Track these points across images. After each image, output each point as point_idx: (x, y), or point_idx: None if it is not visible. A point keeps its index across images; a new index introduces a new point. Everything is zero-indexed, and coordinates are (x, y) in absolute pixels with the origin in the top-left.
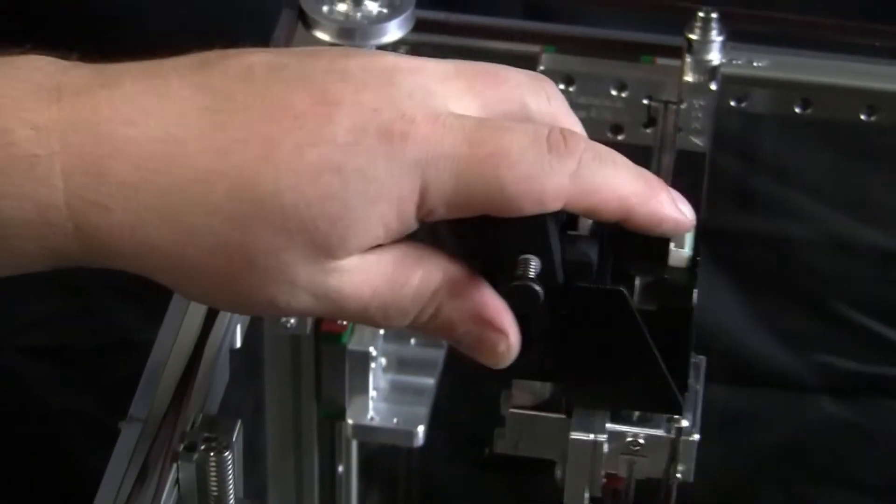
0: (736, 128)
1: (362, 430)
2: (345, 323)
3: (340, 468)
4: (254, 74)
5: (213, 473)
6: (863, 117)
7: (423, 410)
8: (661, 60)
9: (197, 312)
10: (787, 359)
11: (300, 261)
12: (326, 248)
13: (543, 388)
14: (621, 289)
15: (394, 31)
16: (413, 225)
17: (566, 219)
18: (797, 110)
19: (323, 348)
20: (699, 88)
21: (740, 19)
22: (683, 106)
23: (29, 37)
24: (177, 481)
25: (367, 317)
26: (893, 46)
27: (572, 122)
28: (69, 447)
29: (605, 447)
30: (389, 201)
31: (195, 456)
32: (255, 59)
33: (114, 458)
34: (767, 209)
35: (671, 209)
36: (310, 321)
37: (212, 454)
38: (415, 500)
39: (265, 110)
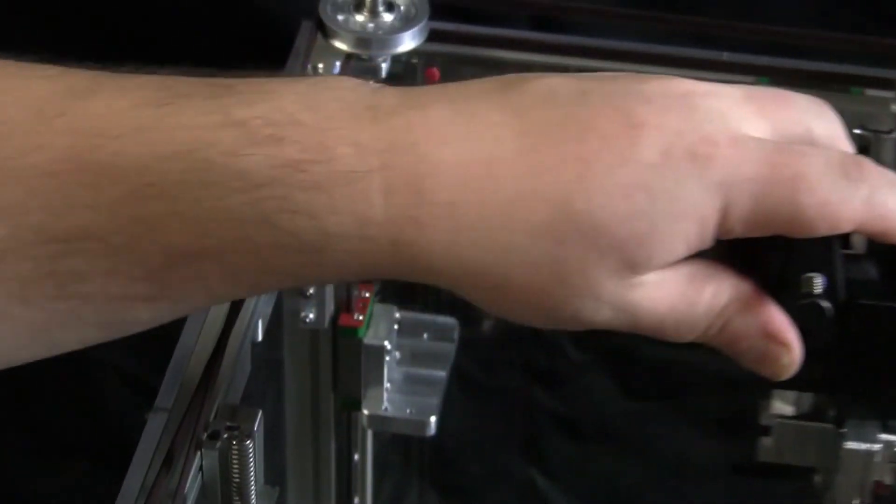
0: None
1: (377, 420)
2: (360, 318)
3: (356, 456)
4: (557, 97)
5: (235, 461)
6: None
7: (435, 401)
8: (870, 91)
9: (220, 307)
10: None
11: (607, 276)
12: (633, 265)
13: (804, 398)
14: None
15: (408, 41)
16: (710, 243)
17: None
18: None
19: (340, 342)
20: None
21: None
22: (894, 136)
23: (42, 40)
24: (200, 468)
25: (660, 330)
26: None
27: (849, 146)
28: (103, 398)
29: (877, 456)
30: (693, 220)
31: (218, 444)
32: (555, 82)
33: (140, 447)
34: None
35: None
36: (328, 316)
37: (234, 443)
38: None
39: (574, 132)
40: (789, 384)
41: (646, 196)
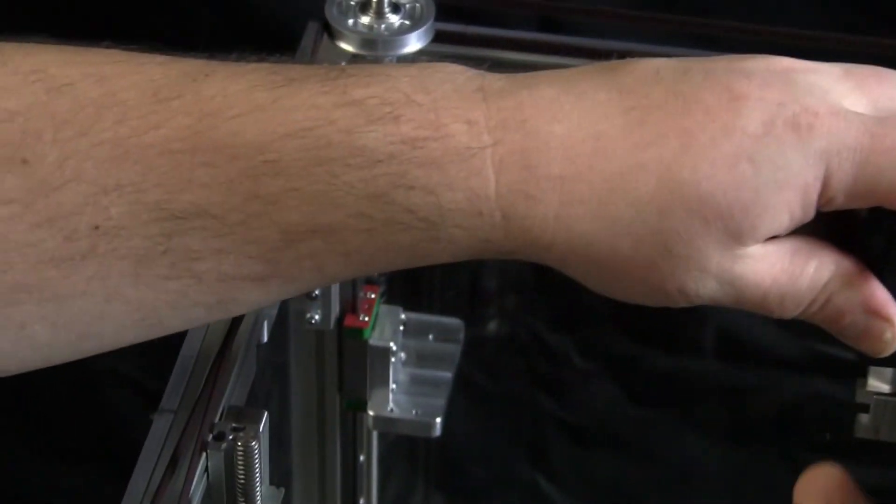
0: None
1: (383, 421)
2: (366, 319)
3: (362, 457)
4: (661, 76)
5: (240, 462)
6: None
7: (441, 402)
8: None
9: None
10: (786, 341)
11: (713, 247)
12: (738, 235)
13: None
14: None
15: (414, 42)
16: (812, 213)
17: None
18: None
19: (346, 343)
20: None
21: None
22: None
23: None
24: (206, 469)
25: (764, 304)
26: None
27: None
28: (107, 401)
29: None
30: (796, 189)
31: (223, 445)
32: (659, 63)
33: (145, 448)
34: None
35: None
36: (333, 317)
37: (239, 444)
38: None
39: (678, 106)
40: (888, 361)
41: (750, 166)
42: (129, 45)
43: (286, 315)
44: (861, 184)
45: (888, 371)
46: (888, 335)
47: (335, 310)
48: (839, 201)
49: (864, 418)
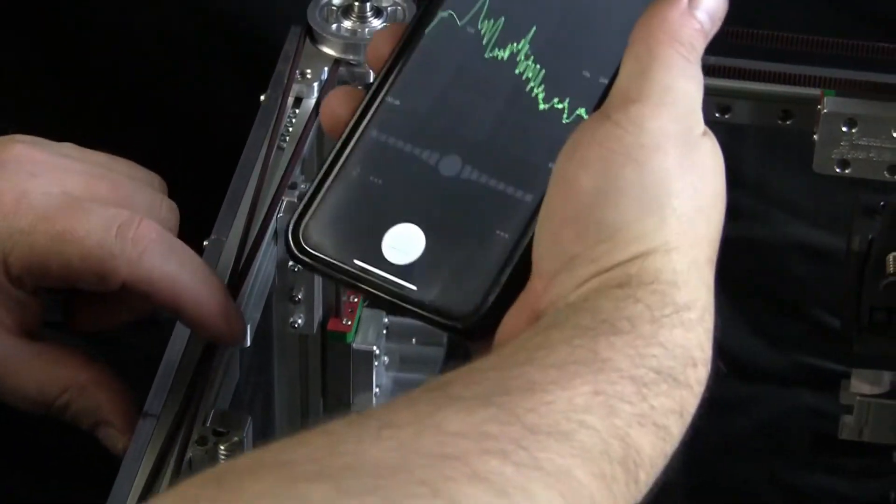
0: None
1: None
2: (349, 323)
3: None
4: None
5: None
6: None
7: None
8: None
9: None
10: (770, 355)
11: None
12: None
13: (881, 377)
14: None
15: None
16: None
17: None
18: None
19: (329, 347)
20: None
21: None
22: None
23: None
24: (190, 473)
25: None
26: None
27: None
28: None
29: None
30: None
31: (207, 450)
32: None
33: (129, 452)
34: (751, 219)
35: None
36: (316, 321)
37: (223, 448)
38: None
39: None
40: (872, 362)
41: None
42: (104, 52)
43: (270, 319)
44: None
45: (871, 373)
46: (120, 445)
47: (318, 314)
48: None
49: (848, 419)
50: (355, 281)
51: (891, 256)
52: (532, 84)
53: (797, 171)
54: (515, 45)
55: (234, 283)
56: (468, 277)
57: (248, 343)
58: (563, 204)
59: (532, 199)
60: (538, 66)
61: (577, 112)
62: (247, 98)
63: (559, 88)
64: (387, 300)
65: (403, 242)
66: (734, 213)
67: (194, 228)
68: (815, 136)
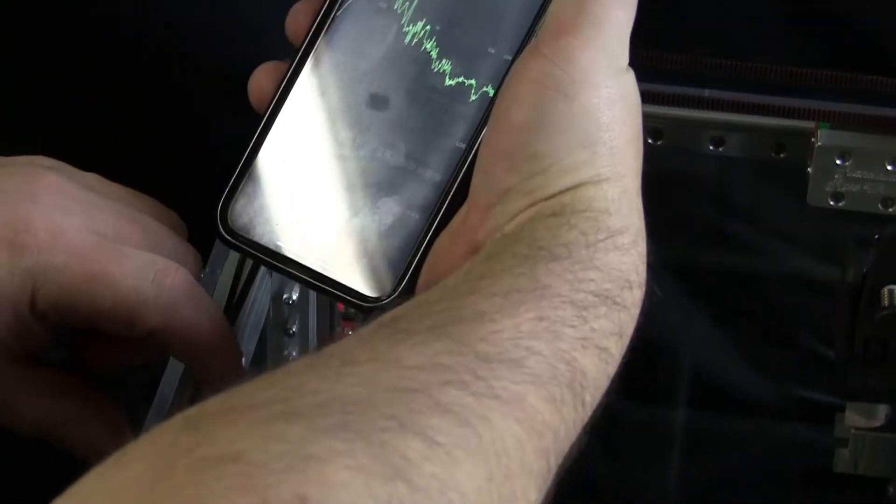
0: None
1: None
2: None
3: None
4: None
5: None
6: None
7: None
8: None
9: None
10: (763, 388)
11: None
12: None
13: (876, 410)
14: None
15: None
16: (31, 324)
17: None
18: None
19: None
20: None
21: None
22: None
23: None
24: None
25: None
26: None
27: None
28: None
29: None
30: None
31: None
32: None
33: None
34: (744, 251)
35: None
36: (312, 348)
37: None
38: None
39: None
40: (867, 395)
41: None
42: (89, 80)
43: (264, 352)
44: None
45: (866, 406)
46: None
47: (313, 345)
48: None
49: (843, 453)
50: (278, 262)
51: (885, 290)
52: (439, 62)
53: (790, 200)
54: (425, 22)
55: (229, 316)
56: (384, 258)
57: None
58: (497, 138)
59: (442, 179)
60: (445, 44)
61: (484, 89)
62: (235, 121)
63: (465, 66)
64: (307, 281)
65: (321, 223)
66: (726, 244)
67: None
68: (808, 169)
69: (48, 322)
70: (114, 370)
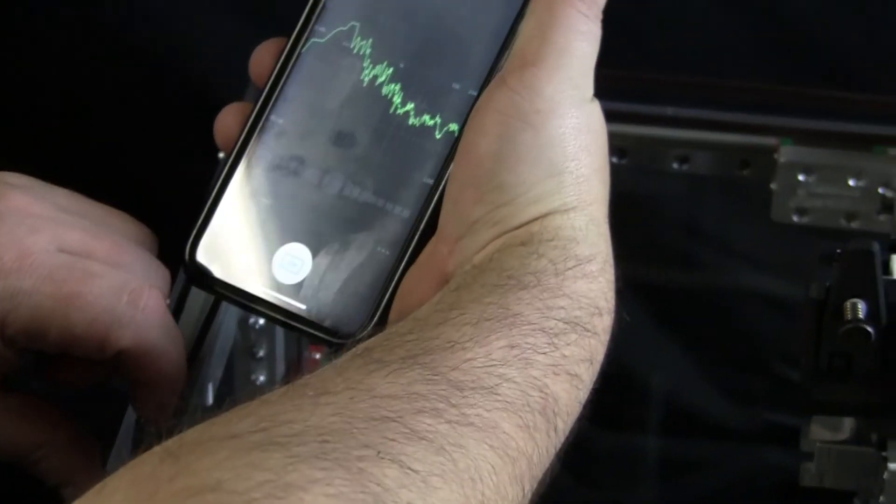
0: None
1: None
2: None
3: None
4: None
5: None
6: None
7: None
8: (892, 150)
9: None
10: (733, 411)
11: None
12: None
13: (845, 423)
14: None
15: None
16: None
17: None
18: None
19: None
20: None
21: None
22: None
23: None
24: None
25: None
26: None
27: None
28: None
29: None
30: None
31: None
32: None
33: None
34: (711, 271)
35: None
36: (279, 377)
37: None
38: None
39: None
40: (832, 409)
41: None
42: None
43: (232, 376)
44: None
45: (831, 419)
46: None
47: (280, 370)
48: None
49: (808, 466)
50: (249, 301)
51: (848, 303)
52: (402, 103)
53: (755, 221)
54: (387, 63)
55: (196, 341)
56: (355, 295)
57: (210, 401)
58: (465, 170)
59: (410, 214)
60: (408, 83)
61: (449, 128)
62: (203, 157)
63: (429, 104)
64: (279, 320)
65: (292, 262)
66: (693, 265)
67: None
68: (772, 186)
69: (17, 346)
70: (80, 387)
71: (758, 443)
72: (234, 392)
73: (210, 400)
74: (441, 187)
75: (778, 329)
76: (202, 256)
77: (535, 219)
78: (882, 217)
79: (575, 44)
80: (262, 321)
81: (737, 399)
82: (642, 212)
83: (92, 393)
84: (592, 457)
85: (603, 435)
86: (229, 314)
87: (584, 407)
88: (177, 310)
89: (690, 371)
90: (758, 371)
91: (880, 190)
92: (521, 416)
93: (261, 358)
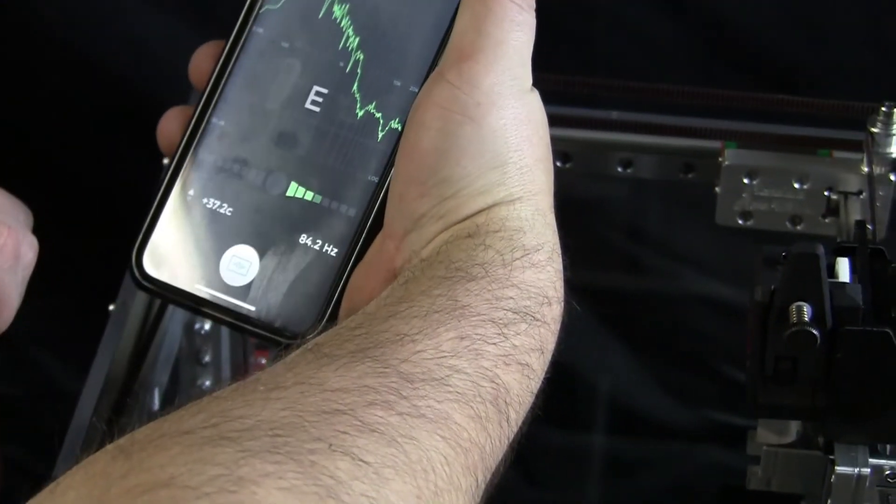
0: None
1: None
2: None
3: None
4: None
5: None
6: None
7: None
8: (837, 154)
9: (116, 376)
10: (679, 412)
11: None
12: None
13: (791, 426)
14: (888, 330)
15: None
16: None
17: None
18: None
19: None
20: (880, 180)
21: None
22: (863, 197)
23: None
24: None
25: None
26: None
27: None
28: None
29: (866, 481)
30: None
31: None
32: None
33: None
34: (656, 274)
35: None
36: (225, 381)
37: None
38: None
39: None
40: (778, 412)
41: None
42: None
43: (177, 382)
44: None
45: (778, 423)
46: None
47: (226, 375)
48: None
49: (755, 469)
50: (197, 305)
51: (794, 306)
52: (343, 99)
53: (700, 225)
54: (325, 61)
55: (141, 347)
56: (303, 294)
57: (157, 407)
58: (408, 165)
59: (356, 213)
60: (349, 81)
61: (391, 125)
62: (149, 162)
63: (372, 101)
64: (229, 322)
65: (239, 264)
66: (638, 268)
67: (98, 294)
68: (717, 189)
69: None
70: None
71: (704, 443)
72: (179, 397)
73: (156, 405)
74: (386, 184)
75: (724, 331)
76: (149, 261)
77: (481, 210)
78: (827, 220)
79: (511, 34)
80: (207, 326)
81: (683, 400)
82: (587, 216)
83: (39, 392)
84: (539, 455)
85: (550, 433)
86: (175, 320)
87: (537, 397)
88: (122, 315)
89: (637, 372)
90: (704, 372)
91: (825, 193)
92: (472, 407)
93: (206, 363)
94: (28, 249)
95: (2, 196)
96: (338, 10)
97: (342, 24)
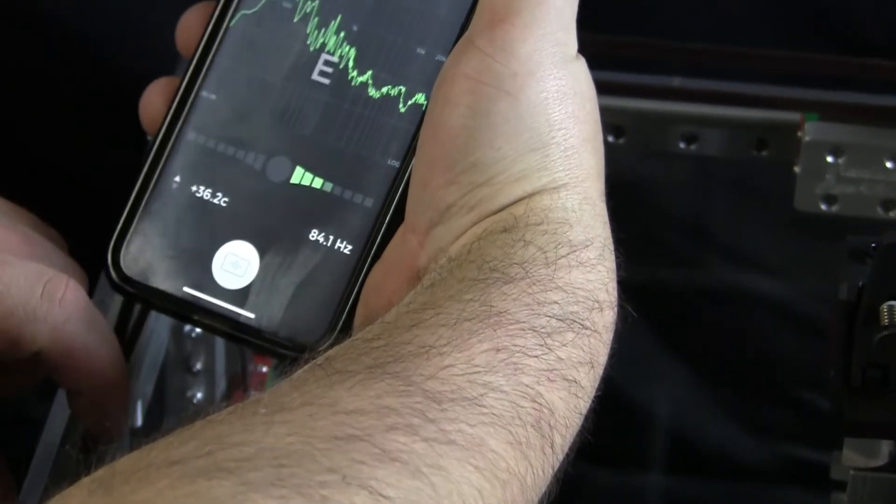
0: None
1: None
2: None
3: None
4: None
5: None
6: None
7: None
8: None
9: None
10: (754, 449)
11: None
12: None
13: (878, 447)
14: None
15: None
16: None
17: None
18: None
19: None
20: None
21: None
22: None
23: None
24: None
25: None
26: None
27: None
28: None
29: None
30: None
31: None
32: None
33: None
34: (721, 276)
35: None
36: (219, 395)
37: None
38: None
39: None
40: (866, 430)
41: None
42: None
43: (164, 394)
44: None
45: (867, 443)
46: None
47: (221, 386)
48: None
49: (840, 497)
50: (186, 312)
51: (885, 306)
52: (359, 70)
53: (777, 213)
54: (338, 24)
55: (122, 351)
56: (312, 299)
57: (140, 422)
58: (433, 147)
59: (372, 203)
60: (364, 48)
61: (415, 100)
62: (134, 143)
63: (391, 73)
64: (224, 332)
65: (235, 263)
66: (700, 266)
67: None
68: (795, 169)
69: None
70: None
71: (779, 482)
72: (166, 411)
73: (139, 421)
74: (408, 170)
75: (801, 345)
76: (128, 259)
77: (519, 200)
78: None
79: None
80: (199, 329)
81: (755, 429)
82: (643, 203)
83: (5, 419)
84: (588, 497)
85: (598, 472)
86: (161, 321)
87: (585, 420)
88: (134, 333)
89: (698, 396)
90: (780, 396)
91: None
92: (510, 431)
93: (198, 372)
94: (81, 282)
95: (36, 224)
96: None
97: None
